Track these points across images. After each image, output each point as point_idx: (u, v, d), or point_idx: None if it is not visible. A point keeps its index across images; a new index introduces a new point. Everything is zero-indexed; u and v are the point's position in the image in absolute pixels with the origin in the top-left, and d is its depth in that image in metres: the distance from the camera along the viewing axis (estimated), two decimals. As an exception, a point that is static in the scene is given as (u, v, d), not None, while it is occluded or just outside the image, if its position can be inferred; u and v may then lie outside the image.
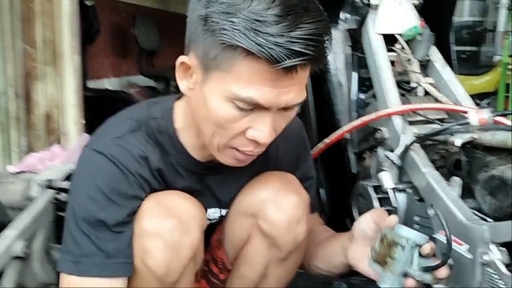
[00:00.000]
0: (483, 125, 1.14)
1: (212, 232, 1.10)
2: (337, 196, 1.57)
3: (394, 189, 1.25)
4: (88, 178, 0.88)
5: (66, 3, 1.86)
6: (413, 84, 1.42)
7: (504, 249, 0.96)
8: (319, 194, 1.61)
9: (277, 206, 0.99)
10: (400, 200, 1.24)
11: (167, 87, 4.04)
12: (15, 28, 1.87)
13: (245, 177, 1.04)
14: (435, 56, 1.46)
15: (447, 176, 1.17)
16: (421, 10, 1.50)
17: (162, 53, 4.31)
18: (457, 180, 1.13)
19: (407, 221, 1.18)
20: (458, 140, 1.14)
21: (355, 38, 1.56)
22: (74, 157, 1.63)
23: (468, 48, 5.71)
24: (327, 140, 1.47)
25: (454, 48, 1.73)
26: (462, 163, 1.14)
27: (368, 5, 1.49)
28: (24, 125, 1.91)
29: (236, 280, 1.09)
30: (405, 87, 1.44)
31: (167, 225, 0.88)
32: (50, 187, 1.28)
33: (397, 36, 1.45)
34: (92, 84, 3.36)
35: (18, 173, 1.47)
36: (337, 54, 1.58)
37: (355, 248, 0.99)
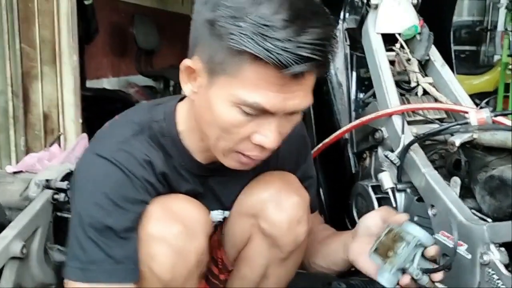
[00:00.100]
0: (483, 125, 1.13)
1: (213, 233, 1.10)
2: (337, 196, 1.57)
3: (394, 189, 1.25)
4: (94, 184, 0.87)
5: (64, 3, 1.85)
6: (412, 84, 1.42)
7: (503, 249, 0.96)
8: (319, 193, 1.61)
9: (278, 206, 0.99)
10: (399, 200, 1.24)
11: (166, 86, 4.04)
12: (13, 28, 1.86)
13: (247, 178, 1.03)
14: (435, 55, 1.46)
15: (446, 176, 1.17)
16: (421, 9, 1.50)
17: (161, 52, 4.31)
18: (456, 180, 1.13)
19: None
20: (457, 140, 1.14)
21: (355, 38, 1.55)
22: (72, 157, 1.62)
23: (467, 47, 5.73)
24: (326, 140, 1.47)
25: (453, 47, 1.73)
26: (462, 163, 1.14)
27: (368, 4, 1.49)
28: (22, 125, 1.91)
29: (237, 280, 1.08)
30: (404, 87, 1.44)
31: (173, 230, 0.88)
32: (48, 187, 1.28)
33: (397, 36, 1.45)
34: (91, 83, 3.36)
35: (16, 173, 1.46)
36: (336, 54, 1.58)
37: (357, 244, 0.98)
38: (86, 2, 2.84)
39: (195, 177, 0.98)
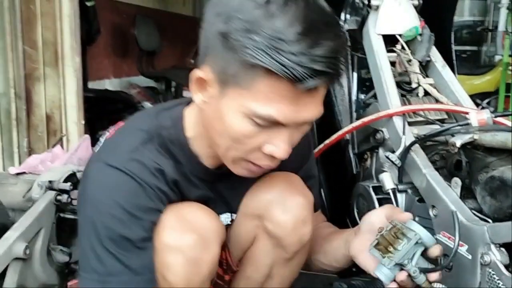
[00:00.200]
0: (483, 125, 1.14)
1: None
2: (338, 197, 1.57)
3: (395, 190, 1.25)
4: (107, 195, 0.86)
5: (66, 4, 1.86)
6: (413, 85, 1.42)
7: (504, 250, 0.96)
8: (321, 194, 1.62)
9: (282, 207, 0.99)
10: (400, 201, 1.24)
11: (167, 87, 4.05)
12: (15, 29, 1.87)
13: (253, 180, 1.04)
14: (435, 56, 1.46)
15: (447, 177, 1.17)
16: (421, 10, 1.50)
17: (162, 53, 4.31)
18: (457, 181, 1.13)
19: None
20: (458, 141, 1.14)
21: (355, 39, 1.56)
22: (75, 158, 1.63)
23: (468, 48, 5.72)
24: (327, 141, 1.48)
25: (454, 47, 1.73)
26: (463, 164, 1.15)
27: (369, 5, 1.49)
28: (25, 127, 1.92)
29: (242, 280, 1.09)
30: (405, 88, 1.44)
31: (188, 240, 0.88)
32: (51, 188, 1.28)
33: (397, 37, 1.45)
34: (92, 85, 3.37)
35: (19, 174, 1.47)
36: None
37: (359, 240, 0.98)
38: (88, 4, 2.85)
39: (204, 182, 0.98)
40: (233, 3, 0.76)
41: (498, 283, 0.95)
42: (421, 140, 1.24)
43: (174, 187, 0.93)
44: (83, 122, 1.94)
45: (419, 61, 1.44)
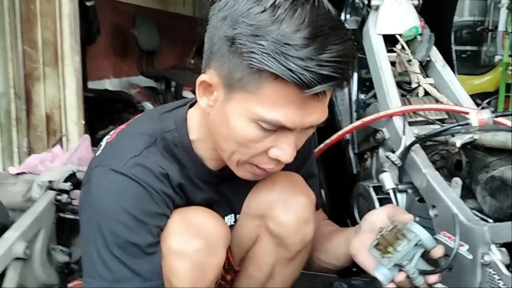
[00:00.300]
0: (484, 125, 1.14)
1: None
2: (338, 197, 1.57)
3: (395, 190, 1.25)
4: (113, 201, 0.85)
5: (66, 4, 1.86)
6: (413, 85, 1.42)
7: (504, 249, 0.96)
8: (321, 193, 1.62)
9: (285, 206, 1.00)
10: (400, 200, 1.24)
11: (167, 87, 4.05)
12: (15, 29, 1.87)
13: (256, 181, 1.04)
14: (436, 56, 1.46)
15: (447, 177, 1.17)
16: (421, 10, 1.50)
17: (162, 53, 4.31)
18: (457, 181, 1.13)
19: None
20: (458, 141, 1.14)
21: (355, 39, 1.56)
22: (75, 158, 1.63)
23: (468, 48, 5.72)
24: (327, 141, 1.48)
25: (455, 47, 1.73)
26: (463, 163, 1.14)
27: (369, 5, 1.49)
28: (25, 126, 1.92)
29: (244, 280, 1.09)
30: (405, 88, 1.44)
31: (195, 246, 0.88)
32: (51, 188, 1.28)
33: (398, 37, 1.45)
34: (92, 85, 3.37)
35: (19, 174, 1.47)
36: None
37: (359, 239, 0.98)
38: (88, 4, 2.85)
39: (209, 184, 0.98)
40: (240, 7, 0.76)
41: (499, 283, 0.94)
42: (421, 140, 1.24)
43: (179, 191, 0.93)
44: (83, 122, 1.94)
45: (419, 61, 1.43)
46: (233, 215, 1.06)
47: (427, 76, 1.45)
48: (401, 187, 1.25)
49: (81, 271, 1.16)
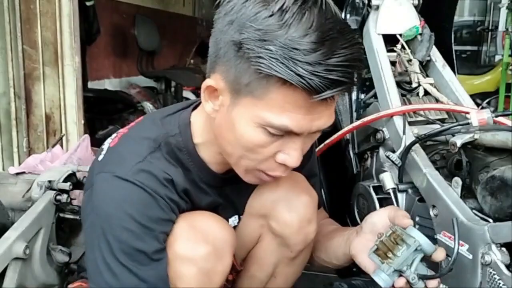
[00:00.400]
0: (484, 125, 1.13)
1: None
2: (338, 197, 1.57)
3: (395, 190, 1.25)
4: (118, 208, 0.84)
5: (66, 4, 1.86)
6: (413, 84, 1.42)
7: (504, 249, 0.96)
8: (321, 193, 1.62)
9: (288, 206, 1.00)
10: (401, 200, 1.24)
11: (167, 87, 4.05)
12: (15, 29, 1.87)
13: None
14: (436, 56, 1.46)
15: (447, 177, 1.17)
16: (421, 10, 1.50)
17: (162, 53, 4.32)
18: (458, 181, 1.13)
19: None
20: (458, 141, 1.14)
21: (356, 39, 1.55)
22: (75, 158, 1.63)
23: (468, 47, 5.73)
24: (327, 141, 1.47)
25: (455, 47, 1.72)
26: (463, 163, 1.14)
27: (369, 5, 1.49)
28: (25, 126, 1.92)
29: (245, 280, 1.09)
30: (405, 87, 1.44)
31: (201, 251, 0.88)
32: (51, 188, 1.28)
33: (398, 37, 1.45)
34: (92, 84, 3.37)
35: (19, 174, 1.46)
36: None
37: (360, 240, 0.98)
38: (87, 3, 2.86)
39: (213, 188, 0.98)
40: (247, 12, 0.75)
41: (499, 283, 0.94)
42: (421, 140, 1.23)
43: (185, 196, 0.92)
44: (82, 122, 1.94)
45: (419, 61, 1.43)
46: (236, 216, 1.05)
47: (427, 76, 1.45)
48: (401, 187, 1.25)
49: (81, 271, 1.17)
